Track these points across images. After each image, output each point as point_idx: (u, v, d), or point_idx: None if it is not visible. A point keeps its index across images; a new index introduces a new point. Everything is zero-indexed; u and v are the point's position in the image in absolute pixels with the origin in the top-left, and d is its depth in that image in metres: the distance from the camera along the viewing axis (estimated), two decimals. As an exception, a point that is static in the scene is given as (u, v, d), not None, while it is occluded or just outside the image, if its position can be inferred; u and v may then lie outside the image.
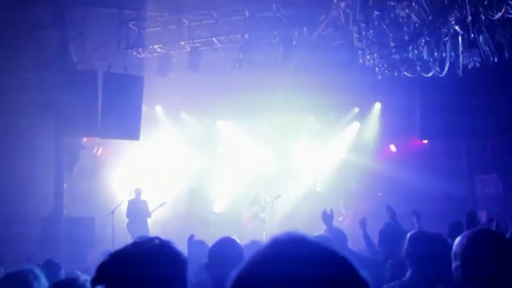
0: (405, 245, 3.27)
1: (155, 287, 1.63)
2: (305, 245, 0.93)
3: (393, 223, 4.64)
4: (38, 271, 3.01)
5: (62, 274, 4.20)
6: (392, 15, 5.32)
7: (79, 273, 4.77)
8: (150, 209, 11.14)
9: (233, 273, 0.93)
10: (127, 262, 1.67)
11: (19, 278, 2.89)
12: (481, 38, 5.58)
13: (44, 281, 2.83)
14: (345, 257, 0.94)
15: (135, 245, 1.78)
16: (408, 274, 3.15)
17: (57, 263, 4.62)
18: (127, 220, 10.80)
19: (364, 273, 0.94)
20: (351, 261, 0.94)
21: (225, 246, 3.18)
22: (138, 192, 11.20)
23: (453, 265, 2.32)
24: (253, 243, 4.49)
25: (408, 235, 3.36)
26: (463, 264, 2.24)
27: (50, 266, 4.32)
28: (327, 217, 4.87)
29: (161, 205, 11.19)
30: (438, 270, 3.23)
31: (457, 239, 2.36)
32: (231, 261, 2.91)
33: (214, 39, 9.92)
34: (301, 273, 0.87)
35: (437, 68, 6.17)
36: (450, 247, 3.50)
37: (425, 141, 12.29)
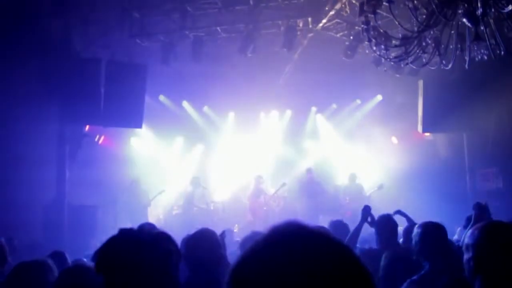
0: (417, 237, 3.24)
1: (147, 276, 1.66)
2: (305, 235, 0.91)
3: (391, 215, 4.64)
4: (51, 262, 3.01)
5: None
6: (401, 6, 5.29)
7: (85, 260, 4.79)
8: (150, 198, 11.19)
9: (232, 263, 0.92)
10: (125, 251, 1.71)
11: (33, 268, 2.89)
12: (488, 31, 5.55)
13: (56, 274, 2.83)
14: (347, 246, 0.93)
15: (132, 233, 1.79)
16: (427, 267, 3.11)
17: (63, 253, 4.62)
18: (128, 209, 10.83)
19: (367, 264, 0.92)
20: (353, 251, 0.93)
21: (202, 237, 3.14)
22: (137, 181, 11.23)
23: (465, 257, 2.33)
24: (254, 234, 4.49)
25: (418, 226, 3.34)
26: (475, 256, 2.25)
27: (56, 258, 4.31)
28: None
29: (160, 193, 11.24)
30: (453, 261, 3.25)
31: (469, 231, 2.37)
32: (207, 252, 2.98)
33: (218, 29, 9.85)
34: (302, 263, 0.85)
35: (443, 61, 6.14)
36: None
37: (427, 134, 12.29)
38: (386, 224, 4.37)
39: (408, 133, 12.79)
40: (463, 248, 2.36)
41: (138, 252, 1.70)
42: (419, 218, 6.61)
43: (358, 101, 13.76)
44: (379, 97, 13.46)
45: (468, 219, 4.27)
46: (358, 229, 4.64)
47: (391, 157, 12.67)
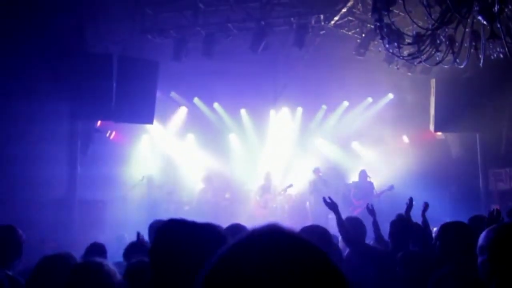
0: (440, 237, 3.19)
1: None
2: (281, 238, 0.91)
3: (404, 215, 4.59)
4: (73, 255, 3.03)
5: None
6: (415, 4, 5.22)
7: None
8: (161, 195, 11.21)
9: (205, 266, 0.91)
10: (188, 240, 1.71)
11: (59, 261, 2.91)
12: (504, 28, 5.47)
13: None
14: (323, 251, 0.92)
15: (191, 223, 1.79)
16: (449, 268, 3.07)
17: (102, 245, 4.64)
18: (139, 204, 10.85)
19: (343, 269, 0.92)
20: (330, 257, 0.92)
21: (236, 232, 3.19)
22: (150, 177, 11.28)
23: (479, 259, 2.28)
24: None
25: (440, 226, 3.28)
26: (491, 258, 2.21)
27: (95, 250, 4.33)
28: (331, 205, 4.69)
29: (169, 194, 11.23)
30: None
31: (483, 233, 2.32)
32: None
33: (229, 25, 9.81)
34: (275, 266, 0.85)
35: (457, 60, 6.06)
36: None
37: (439, 134, 12.16)
38: (400, 224, 4.32)
39: (419, 132, 12.67)
40: (478, 250, 2.32)
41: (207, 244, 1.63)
42: (431, 218, 6.56)
43: (370, 100, 13.65)
44: (390, 96, 13.35)
45: (471, 221, 4.22)
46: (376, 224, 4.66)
47: (402, 156, 12.57)
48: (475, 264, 2.65)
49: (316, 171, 12.31)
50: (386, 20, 5.28)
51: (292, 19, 9.40)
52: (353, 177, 12.68)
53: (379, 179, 12.39)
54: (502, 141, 11.32)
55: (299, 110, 13.85)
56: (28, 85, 8.81)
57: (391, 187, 11.84)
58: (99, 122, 10.68)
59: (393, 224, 4.41)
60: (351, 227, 4.60)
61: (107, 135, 11.38)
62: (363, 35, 9.31)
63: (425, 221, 4.86)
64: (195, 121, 13.17)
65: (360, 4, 8.53)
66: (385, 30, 5.38)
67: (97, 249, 4.47)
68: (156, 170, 11.92)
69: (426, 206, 5.08)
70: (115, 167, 10.94)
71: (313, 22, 9.34)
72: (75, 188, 9.68)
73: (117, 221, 10.09)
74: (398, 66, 6.58)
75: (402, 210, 5.30)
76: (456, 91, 10.37)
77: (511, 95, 10.38)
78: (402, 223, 4.32)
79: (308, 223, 6.27)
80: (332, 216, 11.28)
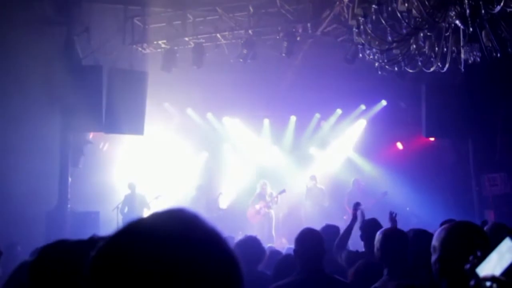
0: (378, 243, 3.22)
1: None
2: (176, 221, 0.91)
3: (376, 220, 4.57)
4: None
5: None
6: (390, 9, 5.26)
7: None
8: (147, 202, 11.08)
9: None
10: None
11: None
12: (483, 33, 5.50)
13: None
14: (218, 237, 0.92)
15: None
16: (386, 273, 3.10)
17: None
18: (128, 215, 10.78)
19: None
20: (227, 244, 0.92)
21: (249, 244, 3.54)
22: (132, 186, 11.12)
23: (432, 258, 2.29)
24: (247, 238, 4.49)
25: (380, 233, 3.32)
26: (441, 257, 2.21)
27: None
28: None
29: (156, 198, 11.07)
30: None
31: (436, 232, 2.33)
32: (254, 258, 3.38)
33: (218, 35, 9.90)
34: (161, 248, 0.85)
35: (439, 64, 6.09)
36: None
37: (432, 139, 12.16)
38: (372, 229, 4.29)
39: (413, 138, 12.68)
40: (431, 249, 2.32)
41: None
42: (425, 224, 6.55)
43: (363, 107, 13.69)
44: (384, 102, 13.38)
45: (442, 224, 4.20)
46: (349, 229, 4.60)
47: (396, 162, 12.57)
48: (409, 270, 2.69)
49: (312, 178, 12.37)
50: (363, 26, 5.32)
51: (279, 27, 9.47)
52: (347, 185, 12.68)
53: (373, 185, 12.39)
54: (496, 145, 11.30)
55: (293, 118, 13.89)
56: (20, 97, 8.88)
57: (385, 194, 11.83)
58: (91, 134, 10.72)
59: (365, 227, 4.37)
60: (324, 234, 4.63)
61: (100, 147, 11.42)
62: (350, 42, 9.35)
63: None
64: (188, 131, 13.21)
65: (346, 11, 8.57)
66: (363, 36, 5.42)
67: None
68: (147, 178, 11.88)
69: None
70: (107, 178, 10.94)
71: (300, 30, 9.41)
72: (67, 199, 9.69)
73: (111, 231, 10.06)
74: (380, 72, 6.62)
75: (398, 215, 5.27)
76: (446, 97, 10.37)
77: (502, 99, 10.39)
78: (374, 227, 4.28)
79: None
80: (326, 224, 11.32)
